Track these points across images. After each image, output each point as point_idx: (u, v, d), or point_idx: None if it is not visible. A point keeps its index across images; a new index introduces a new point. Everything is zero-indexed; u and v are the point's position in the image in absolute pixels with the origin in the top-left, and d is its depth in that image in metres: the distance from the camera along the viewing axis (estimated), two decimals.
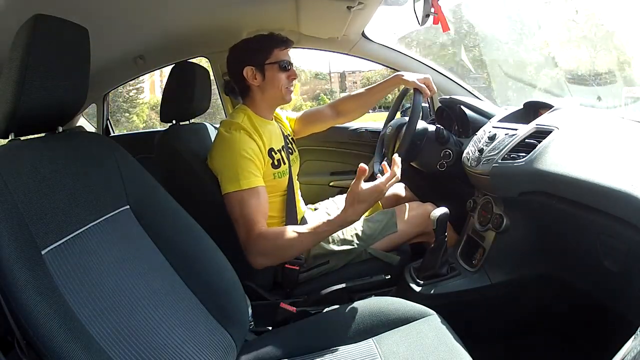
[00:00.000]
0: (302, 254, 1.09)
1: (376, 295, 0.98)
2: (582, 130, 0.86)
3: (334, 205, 1.38)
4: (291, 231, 0.95)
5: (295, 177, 1.20)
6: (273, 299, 1.04)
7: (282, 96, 1.13)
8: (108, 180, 0.71)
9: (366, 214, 1.31)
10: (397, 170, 0.90)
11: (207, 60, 1.78)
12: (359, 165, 0.87)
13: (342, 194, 1.45)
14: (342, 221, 0.92)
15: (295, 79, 1.15)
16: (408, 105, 1.38)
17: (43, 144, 0.65)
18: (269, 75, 1.10)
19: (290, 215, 1.12)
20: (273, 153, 1.09)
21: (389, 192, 1.37)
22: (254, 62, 1.09)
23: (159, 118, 1.35)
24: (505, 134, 0.99)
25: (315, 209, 1.36)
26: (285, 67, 1.11)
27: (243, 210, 0.97)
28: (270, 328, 0.88)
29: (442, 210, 0.94)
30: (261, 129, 1.08)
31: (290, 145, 1.23)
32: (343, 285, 1.04)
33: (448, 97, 1.45)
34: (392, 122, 1.36)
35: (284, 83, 1.12)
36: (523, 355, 0.98)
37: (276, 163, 1.09)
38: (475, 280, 0.95)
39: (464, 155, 1.11)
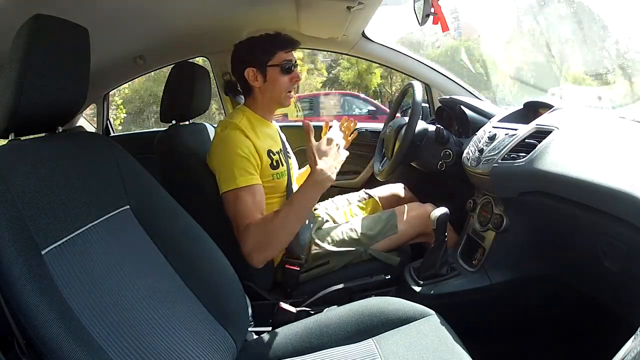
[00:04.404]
0: (301, 248, 1.08)
1: (376, 295, 0.98)
2: (582, 130, 0.86)
3: (334, 205, 1.38)
4: (273, 213, 0.94)
5: (293, 180, 1.21)
6: (273, 299, 1.04)
7: (281, 101, 1.12)
8: (108, 180, 0.71)
9: (366, 214, 1.32)
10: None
11: (207, 60, 1.78)
12: (305, 123, 0.95)
13: (342, 194, 1.45)
14: (314, 183, 0.92)
15: (298, 81, 1.13)
16: (408, 105, 1.38)
17: (43, 144, 0.65)
18: (270, 77, 1.09)
19: None
20: (272, 154, 1.08)
21: (388, 193, 1.38)
22: (256, 63, 1.09)
23: None
24: (505, 134, 0.99)
25: (314, 209, 1.36)
26: (289, 69, 1.09)
27: (237, 207, 0.97)
28: (270, 328, 0.88)
29: (442, 210, 0.94)
30: (259, 130, 1.08)
31: (288, 151, 1.24)
32: (343, 285, 1.04)
33: (448, 97, 1.45)
34: (392, 122, 1.36)
35: (285, 86, 1.10)
36: (523, 355, 0.98)
37: (275, 164, 1.09)
38: (475, 281, 0.95)
39: (464, 155, 1.11)
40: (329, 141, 0.94)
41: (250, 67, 1.09)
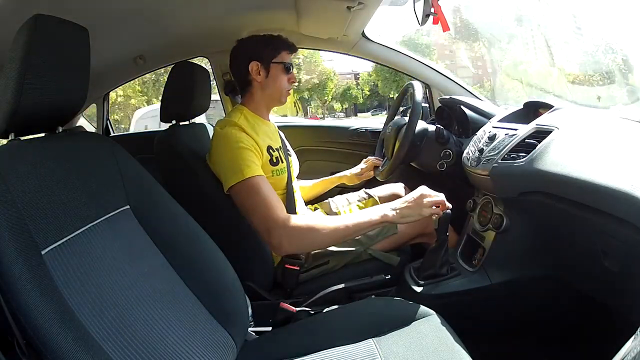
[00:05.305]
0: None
1: (376, 295, 0.98)
2: (582, 130, 0.86)
3: (334, 205, 1.38)
4: (323, 217, 0.94)
5: (294, 179, 1.21)
6: (273, 299, 1.04)
7: (280, 97, 1.15)
8: (108, 180, 0.71)
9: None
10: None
11: (207, 60, 1.78)
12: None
13: (342, 194, 1.45)
14: (375, 209, 0.95)
15: (294, 82, 1.17)
16: (408, 105, 1.38)
17: (43, 144, 0.65)
18: (273, 73, 1.12)
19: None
20: (271, 150, 1.09)
21: (388, 192, 1.38)
22: (261, 58, 1.11)
23: None
24: (505, 134, 0.99)
25: (315, 209, 1.36)
26: (289, 69, 1.13)
27: (260, 195, 0.96)
28: (270, 328, 0.88)
29: None
30: (258, 127, 1.09)
31: (288, 149, 1.24)
32: (343, 285, 1.04)
33: (448, 97, 1.45)
34: (392, 122, 1.36)
35: (285, 85, 1.14)
36: (523, 355, 0.98)
37: (274, 160, 1.09)
38: (475, 281, 0.95)
39: (464, 155, 1.11)
40: (422, 197, 0.92)
41: (255, 61, 1.10)
